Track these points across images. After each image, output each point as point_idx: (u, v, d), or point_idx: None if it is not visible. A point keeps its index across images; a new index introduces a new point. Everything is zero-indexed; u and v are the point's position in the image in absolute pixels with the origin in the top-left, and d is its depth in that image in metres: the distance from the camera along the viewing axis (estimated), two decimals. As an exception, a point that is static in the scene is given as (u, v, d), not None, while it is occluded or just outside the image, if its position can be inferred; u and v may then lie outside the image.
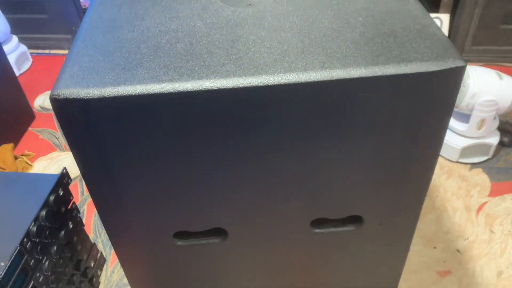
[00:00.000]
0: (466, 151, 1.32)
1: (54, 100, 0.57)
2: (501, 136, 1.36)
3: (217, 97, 0.58)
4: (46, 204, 0.83)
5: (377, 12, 0.68)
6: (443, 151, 1.38)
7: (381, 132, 0.65)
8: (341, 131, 0.64)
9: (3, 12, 1.71)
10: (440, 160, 1.39)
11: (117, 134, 0.61)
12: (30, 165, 1.45)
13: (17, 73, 1.80)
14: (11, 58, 1.78)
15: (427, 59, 0.58)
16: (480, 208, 1.23)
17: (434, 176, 1.34)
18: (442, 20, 1.68)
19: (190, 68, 0.59)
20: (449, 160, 1.38)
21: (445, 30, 1.68)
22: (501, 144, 1.39)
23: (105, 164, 0.64)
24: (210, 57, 0.61)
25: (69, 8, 1.73)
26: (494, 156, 1.37)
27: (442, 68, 0.58)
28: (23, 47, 1.84)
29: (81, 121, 0.59)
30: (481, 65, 1.74)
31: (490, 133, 1.29)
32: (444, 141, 1.38)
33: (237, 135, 0.63)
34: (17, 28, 1.82)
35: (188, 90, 0.57)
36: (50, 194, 0.84)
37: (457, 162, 1.37)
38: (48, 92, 1.73)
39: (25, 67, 1.85)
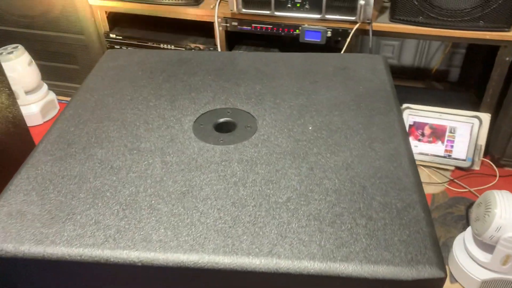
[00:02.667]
0: (487, 285, 1.16)
1: (-36, 252, 0.51)
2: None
3: (140, 270, 0.50)
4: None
5: (359, 173, 0.59)
6: (461, 279, 1.22)
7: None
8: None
9: (36, 59, 1.76)
10: None
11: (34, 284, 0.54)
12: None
13: (40, 121, 1.83)
14: (38, 106, 1.81)
15: (397, 262, 0.48)
16: None
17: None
18: (482, 119, 1.54)
19: (121, 229, 0.52)
20: (467, 290, 1.22)
21: (485, 130, 1.54)
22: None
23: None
24: (149, 215, 0.53)
25: (100, 62, 1.75)
26: (521, 292, 1.20)
27: (414, 277, 0.47)
28: (51, 95, 1.88)
29: (-6, 274, 0.53)
30: (522, 173, 1.56)
31: (517, 269, 1.12)
32: (463, 268, 1.22)
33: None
34: (48, 75, 1.87)
35: (108, 262, 0.49)
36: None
37: (476, 293, 1.20)
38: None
39: (50, 115, 1.89)
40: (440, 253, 0.49)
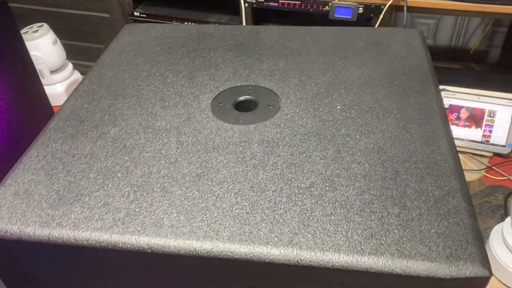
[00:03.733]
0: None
1: (-32, 232, 0.49)
2: None
3: (151, 257, 0.46)
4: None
5: (392, 157, 0.53)
6: (498, 272, 1.14)
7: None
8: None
9: (61, 38, 1.75)
10: (493, 281, 1.15)
11: (37, 271, 0.51)
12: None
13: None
14: (63, 85, 1.81)
15: (433, 257, 0.42)
16: None
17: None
18: (524, 102, 1.43)
19: (131, 213, 0.48)
20: (504, 284, 1.14)
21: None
22: None
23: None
24: (162, 198, 0.50)
25: (125, 42, 1.72)
26: (563, 289, 1.11)
27: (453, 276, 0.41)
28: (76, 74, 1.88)
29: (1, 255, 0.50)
30: None
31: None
32: (501, 261, 1.15)
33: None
34: (73, 54, 1.86)
35: (116, 247, 0.46)
36: None
37: (512, 289, 1.13)
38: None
39: (76, 94, 1.88)
40: (484, 249, 0.43)
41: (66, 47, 1.83)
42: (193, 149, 0.56)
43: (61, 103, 1.91)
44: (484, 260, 0.42)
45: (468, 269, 0.41)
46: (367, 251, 0.43)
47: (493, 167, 1.47)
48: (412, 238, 0.44)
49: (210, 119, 0.61)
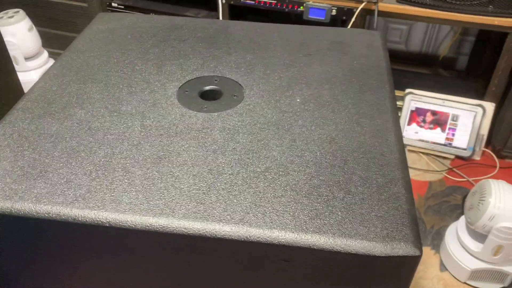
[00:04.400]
0: (477, 275, 1.14)
1: None
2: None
3: (107, 231, 0.49)
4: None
5: (342, 147, 0.57)
6: (451, 268, 1.20)
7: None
8: (261, 291, 0.52)
9: (37, 25, 1.74)
10: (446, 276, 1.21)
11: (6, 244, 0.53)
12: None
13: (40, 88, 1.83)
14: (38, 73, 1.80)
15: (371, 238, 0.46)
16: None
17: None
18: (486, 108, 1.50)
19: (92, 189, 0.50)
20: (456, 279, 1.20)
21: (488, 120, 1.51)
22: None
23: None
24: (122, 177, 0.52)
25: (102, 32, 1.72)
26: (510, 285, 1.18)
27: (387, 254, 0.45)
28: (51, 62, 1.87)
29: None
30: (523, 165, 1.53)
31: (508, 261, 1.10)
32: (454, 257, 1.20)
33: (127, 274, 0.53)
34: (48, 42, 1.84)
35: (76, 220, 0.48)
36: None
37: (465, 283, 1.19)
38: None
39: (50, 82, 1.87)
40: (417, 231, 0.47)
41: (42, 34, 1.82)
42: (156, 133, 0.58)
43: (34, 90, 1.90)
44: (416, 241, 0.46)
45: (401, 249, 0.45)
46: (311, 229, 0.47)
47: (454, 169, 1.54)
48: (354, 220, 0.48)
49: (175, 106, 0.63)
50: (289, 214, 0.48)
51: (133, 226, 0.47)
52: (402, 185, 0.52)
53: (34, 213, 0.48)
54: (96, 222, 0.48)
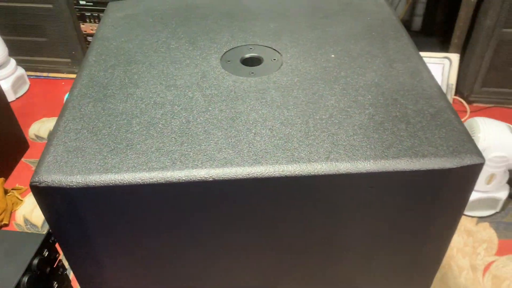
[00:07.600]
0: (473, 204, 1.27)
1: (35, 188, 0.53)
2: (511, 189, 1.31)
3: (211, 187, 0.53)
4: (29, 269, 0.78)
5: (388, 89, 0.64)
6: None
7: (389, 224, 0.60)
8: (347, 222, 0.59)
9: (2, 34, 1.67)
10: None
11: (103, 221, 0.56)
12: (21, 200, 1.39)
13: (13, 97, 1.76)
14: (8, 82, 1.74)
15: (442, 154, 0.54)
16: (486, 268, 1.18)
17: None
18: (452, 60, 1.64)
19: (185, 153, 0.54)
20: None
21: (455, 70, 1.64)
22: (510, 197, 1.34)
23: (91, 249, 0.59)
24: (207, 139, 0.56)
25: (70, 32, 1.69)
26: (502, 209, 1.32)
27: (459, 165, 0.53)
28: (20, 70, 1.80)
29: (65, 209, 0.54)
30: (489, 107, 1.69)
31: (499, 187, 1.24)
32: (450, 191, 1.32)
33: (232, 226, 0.58)
34: (15, 50, 1.78)
35: (181, 180, 0.52)
36: (34, 257, 0.79)
37: (463, 214, 1.32)
38: (45, 119, 1.68)
39: (22, 91, 1.81)
40: (475, 144, 0.55)
41: (8, 43, 1.75)
42: (218, 99, 0.63)
43: (10, 99, 1.83)
44: (478, 152, 0.54)
45: (469, 159, 0.53)
46: (391, 156, 0.53)
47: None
48: (422, 143, 0.55)
49: (225, 75, 0.67)
50: (367, 147, 0.55)
51: (234, 177, 0.52)
52: (451, 111, 0.60)
53: (139, 180, 0.51)
54: (199, 179, 0.52)
